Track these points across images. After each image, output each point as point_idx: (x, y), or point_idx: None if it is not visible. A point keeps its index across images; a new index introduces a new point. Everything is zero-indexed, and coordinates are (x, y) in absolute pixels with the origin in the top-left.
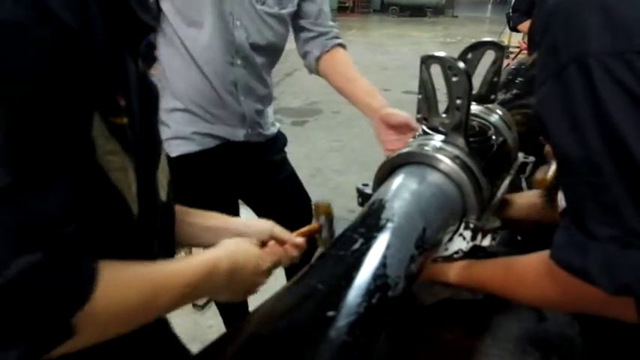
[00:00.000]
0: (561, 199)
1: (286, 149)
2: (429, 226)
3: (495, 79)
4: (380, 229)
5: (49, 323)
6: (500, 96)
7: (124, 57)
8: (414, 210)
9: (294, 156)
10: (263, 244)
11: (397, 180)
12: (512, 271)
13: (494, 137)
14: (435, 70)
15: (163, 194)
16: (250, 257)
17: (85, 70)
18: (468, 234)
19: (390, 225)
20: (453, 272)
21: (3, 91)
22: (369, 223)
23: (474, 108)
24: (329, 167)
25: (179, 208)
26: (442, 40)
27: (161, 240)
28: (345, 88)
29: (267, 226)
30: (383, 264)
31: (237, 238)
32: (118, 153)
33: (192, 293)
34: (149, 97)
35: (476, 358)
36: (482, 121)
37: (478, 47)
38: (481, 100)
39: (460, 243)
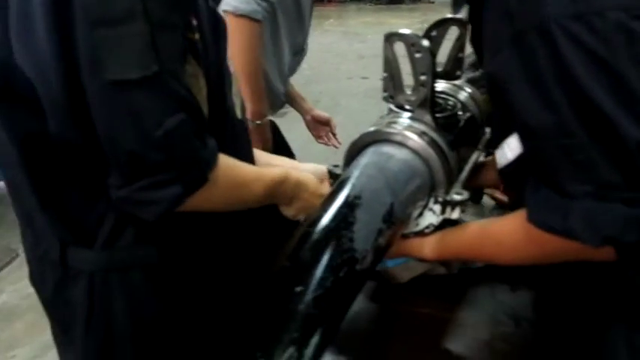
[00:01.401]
0: (500, 157)
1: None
2: (397, 200)
3: (460, 54)
4: (347, 205)
5: (193, 172)
6: (470, 74)
7: None
8: (381, 186)
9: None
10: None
11: (365, 158)
12: (488, 236)
13: (460, 113)
14: (402, 49)
15: (239, 112)
16: (311, 180)
17: None
18: (437, 208)
19: (357, 201)
20: (428, 247)
21: (147, 9)
22: (337, 201)
23: (442, 85)
24: (312, 157)
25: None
26: (420, 26)
27: (242, 151)
28: (286, 90)
29: (324, 169)
30: (350, 238)
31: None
32: (191, 62)
33: (272, 193)
34: (218, 27)
35: (452, 330)
36: (449, 97)
37: (442, 24)
38: (447, 76)
39: (430, 217)
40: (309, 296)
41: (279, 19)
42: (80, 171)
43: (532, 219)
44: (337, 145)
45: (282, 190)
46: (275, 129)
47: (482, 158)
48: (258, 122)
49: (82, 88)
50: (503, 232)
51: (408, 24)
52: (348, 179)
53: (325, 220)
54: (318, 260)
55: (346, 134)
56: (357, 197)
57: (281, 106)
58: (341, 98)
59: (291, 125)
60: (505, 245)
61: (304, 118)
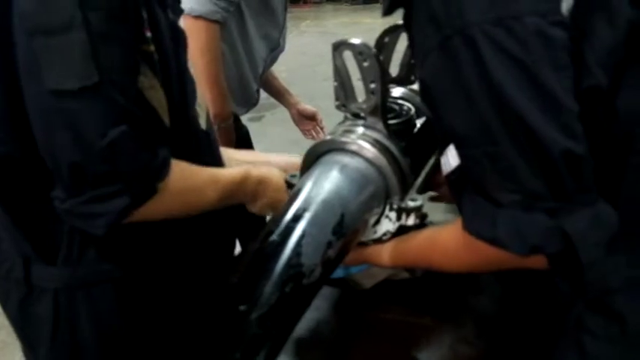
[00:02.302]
0: (444, 164)
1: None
2: (348, 212)
3: (412, 60)
4: (296, 218)
5: (141, 183)
6: None
7: (152, 4)
8: (332, 197)
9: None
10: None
11: (318, 168)
12: (435, 245)
13: (415, 118)
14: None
15: (203, 123)
16: (274, 175)
17: (130, 4)
18: (393, 215)
19: (306, 214)
20: (386, 255)
21: (87, 19)
22: (287, 215)
23: (397, 90)
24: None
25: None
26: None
27: (205, 160)
28: (271, 84)
29: (295, 159)
30: (297, 253)
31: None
32: (147, 74)
33: (231, 194)
34: (178, 39)
35: (416, 334)
36: (405, 103)
37: (394, 31)
38: (401, 81)
39: (387, 224)
40: (253, 315)
41: (245, 17)
42: (34, 186)
43: (466, 227)
44: None
45: (244, 190)
46: (243, 130)
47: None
48: (222, 125)
49: (21, 98)
50: (447, 240)
51: (384, 23)
52: (299, 191)
53: (274, 235)
54: (263, 277)
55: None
56: (306, 210)
57: (255, 104)
58: (318, 100)
59: (267, 129)
60: (449, 253)
61: (290, 112)
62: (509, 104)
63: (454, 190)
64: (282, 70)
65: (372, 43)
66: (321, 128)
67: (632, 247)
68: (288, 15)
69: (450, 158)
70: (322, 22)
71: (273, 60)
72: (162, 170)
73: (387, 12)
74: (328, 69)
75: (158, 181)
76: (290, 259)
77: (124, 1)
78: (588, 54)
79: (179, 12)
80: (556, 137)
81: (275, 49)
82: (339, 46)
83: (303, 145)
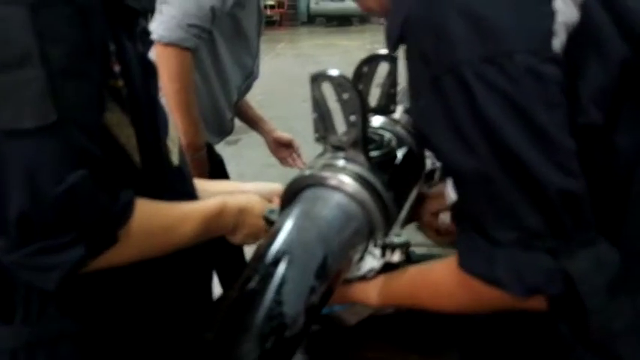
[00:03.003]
0: (447, 196)
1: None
2: (331, 252)
3: (392, 90)
4: (276, 263)
5: (99, 231)
6: (407, 103)
7: (120, 36)
8: (313, 237)
9: (230, 175)
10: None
11: (296, 207)
12: (427, 283)
13: (396, 148)
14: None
15: (175, 159)
16: (255, 203)
17: (95, 37)
18: (377, 251)
19: (286, 257)
20: (374, 294)
21: (44, 53)
22: (266, 258)
23: (376, 119)
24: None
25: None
26: (370, 47)
27: (178, 197)
28: (245, 113)
29: (273, 187)
30: (278, 302)
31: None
32: (114, 110)
33: (208, 228)
34: (148, 72)
35: None
36: (386, 132)
37: (372, 60)
38: (381, 111)
39: (371, 261)
40: None
41: (218, 44)
42: None
43: (461, 264)
44: (302, 166)
45: (222, 221)
46: (217, 160)
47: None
48: (195, 156)
49: None
50: (440, 278)
51: (359, 45)
52: (278, 231)
53: (252, 282)
54: (242, 331)
55: (304, 157)
56: (286, 253)
57: (230, 132)
58: (295, 122)
59: (243, 152)
60: (442, 292)
61: (265, 140)
62: (503, 143)
63: (455, 223)
64: (257, 93)
65: (348, 63)
66: (298, 155)
67: (634, 289)
68: (264, 37)
69: (450, 191)
70: (297, 45)
71: (248, 88)
72: (123, 216)
73: (393, 49)
74: (305, 91)
75: (118, 228)
76: (271, 309)
77: (89, 34)
78: (582, 91)
79: (149, 44)
80: (552, 176)
81: (249, 76)
82: (317, 78)
83: (280, 169)
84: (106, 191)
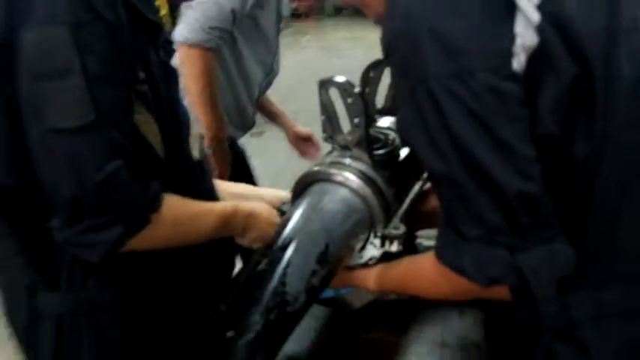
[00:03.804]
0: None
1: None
2: (332, 241)
3: None
4: (283, 248)
5: (134, 214)
6: None
7: (145, 47)
8: (317, 227)
9: (255, 167)
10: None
11: (305, 199)
12: (416, 272)
13: (400, 147)
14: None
15: (196, 153)
16: (263, 209)
17: (123, 49)
18: (377, 241)
19: (292, 244)
20: (372, 280)
21: (84, 65)
22: (275, 244)
23: (384, 120)
24: (292, 174)
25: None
26: None
27: (198, 189)
28: (267, 108)
29: (280, 194)
30: (282, 282)
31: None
32: (142, 111)
33: (222, 227)
34: (170, 77)
35: (401, 353)
36: (391, 132)
37: (378, 65)
38: (386, 112)
39: (372, 250)
40: (240, 341)
41: (239, 43)
42: (36, 216)
43: (437, 255)
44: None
45: (233, 223)
46: (239, 152)
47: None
48: (217, 148)
49: (23, 137)
50: (426, 268)
51: None
52: (287, 221)
53: (263, 263)
54: (250, 304)
55: (323, 150)
56: (292, 240)
57: (251, 126)
58: (319, 116)
59: (268, 144)
60: (427, 281)
61: (286, 135)
62: (468, 152)
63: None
64: (282, 86)
65: (371, 58)
66: (317, 149)
67: (596, 287)
68: (289, 30)
69: None
70: (323, 37)
71: (269, 84)
72: (155, 202)
73: (386, 57)
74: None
75: (150, 213)
76: (276, 287)
77: (118, 47)
78: (540, 105)
79: (171, 52)
80: (511, 180)
81: (269, 73)
82: (324, 84)
83: (304, 160)
84: (138, 180)
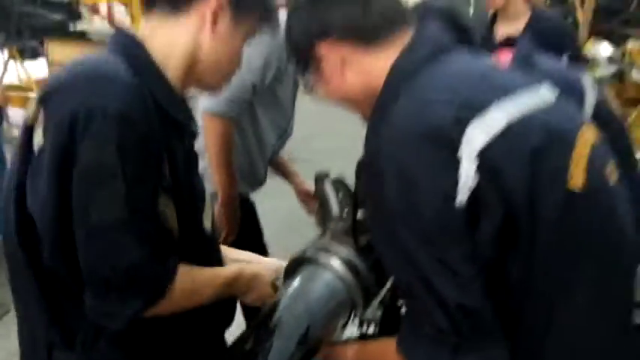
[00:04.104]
0: None
1: (262, 203)
2: (314, 323)
3: None
4: (268, 329)
5: (155, 288)
6: None
7: (172, 142)
8: (301, 310)
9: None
10: None
11: (294, 282)
12: (386, 353)
13: None
14: None
15: (207, 222)
16: (267, 272)
17: (153, 153)
18: (356, 322)
19: (277, 327)
20: (350, 355)
21: (125, 172)
22: (263, 326)
23: None
24: (303, 220)
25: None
26: None
27: (209, 258)
28: (277, 166)
29: (279, 264)
30: None
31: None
32: (163, 196)
33: (227, 289)
34: (191, 163)
35: None
36: None
37: None
38: None
39: (351, 330)
40: None
41: (256, 109)
42: (69, 288)
43: (397, 343)
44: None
45: (237, 285)
46: (249, 208)
47: None
48: (228, 205)
49: (70, 228)
50: (392, 352)
51: None
52: (275, 304)
53: (249, 342)
54: None
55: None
56: (279, 321)
57: (262, 184)
58: (336, 159)
59: (285, 187)
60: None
61: (295, 191)
62: (420, 269)
63: None
64: (302, 127)
65: None
66: None
67: None
68: None
69: None
70: None
71: (282, 145)
72: (170, 277)
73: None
74: (349, 127)
75: (166, 287)
76: None
77: (150, 151)
78: (478, 235)
79: (195, 135)
80: (451, 294)
81: (283, 135)
82: (321, 178)
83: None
84: (159, 261)
